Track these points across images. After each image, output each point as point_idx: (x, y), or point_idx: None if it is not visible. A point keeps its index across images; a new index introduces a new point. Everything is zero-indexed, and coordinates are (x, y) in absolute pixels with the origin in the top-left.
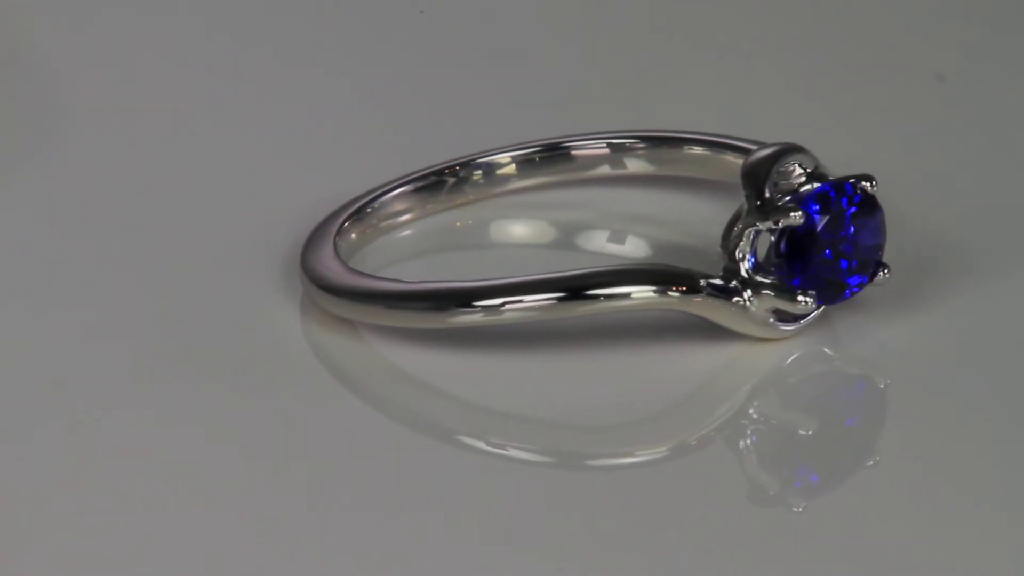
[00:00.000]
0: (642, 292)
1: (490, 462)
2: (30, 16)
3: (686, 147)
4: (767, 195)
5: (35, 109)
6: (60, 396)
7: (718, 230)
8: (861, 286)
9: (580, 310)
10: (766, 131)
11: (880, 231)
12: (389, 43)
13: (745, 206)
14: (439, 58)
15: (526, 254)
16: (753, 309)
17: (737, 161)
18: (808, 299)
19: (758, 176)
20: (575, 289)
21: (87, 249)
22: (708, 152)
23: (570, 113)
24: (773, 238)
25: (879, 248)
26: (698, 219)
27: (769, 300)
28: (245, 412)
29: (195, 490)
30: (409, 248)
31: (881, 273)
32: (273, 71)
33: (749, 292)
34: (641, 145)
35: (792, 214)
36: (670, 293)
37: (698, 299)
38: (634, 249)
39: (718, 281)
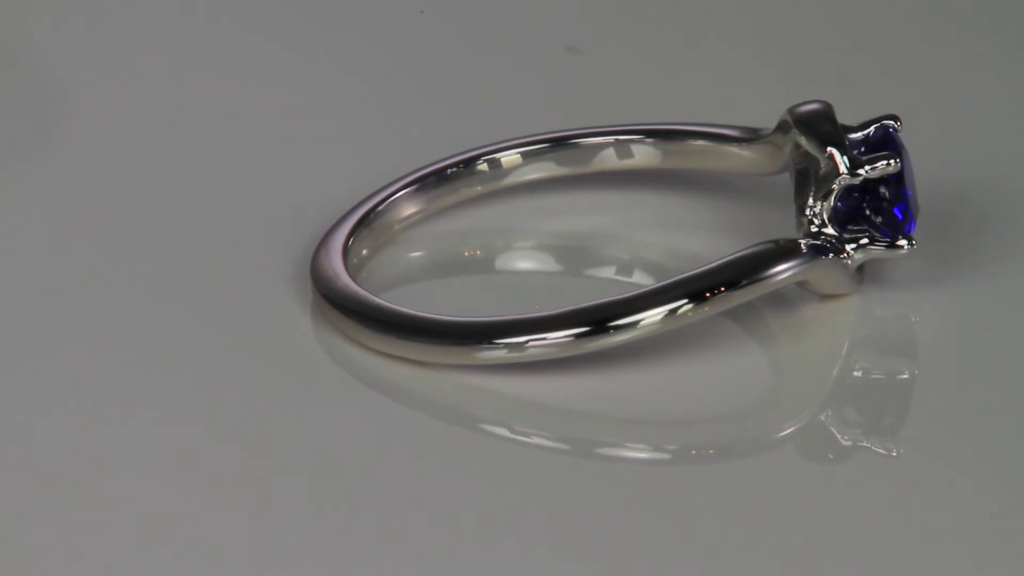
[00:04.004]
0: (778, 272)
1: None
2: (33, 14)
3: (690, 140)
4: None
5: (41, 110)
6: (67, 397)
7: (718, 228)
8: None
9: (703, 311)
10: (764, 121)
11: (911, 168)
12: (391, 42)
13: (823, 165)
14: (440, 57)
15: (553, 279)
16: (853, 263)
17: (743, 153)
18: (908, 243)
19: (829, 132)
20: (732, 282)
21: (92, 251)
22: (711, 144)
23: (572, 112)
24: (822, 196)
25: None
26: (705, 219)
27: (870, 251)
28: (255, 412)
29: (204, 491)
30: (419, 267)
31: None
32: (273, 71)
33: (850, 247)
34: (648, 140)
35: (886, 162)
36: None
37: (812, 264)
38: (677, 249)
39: (815, 242)
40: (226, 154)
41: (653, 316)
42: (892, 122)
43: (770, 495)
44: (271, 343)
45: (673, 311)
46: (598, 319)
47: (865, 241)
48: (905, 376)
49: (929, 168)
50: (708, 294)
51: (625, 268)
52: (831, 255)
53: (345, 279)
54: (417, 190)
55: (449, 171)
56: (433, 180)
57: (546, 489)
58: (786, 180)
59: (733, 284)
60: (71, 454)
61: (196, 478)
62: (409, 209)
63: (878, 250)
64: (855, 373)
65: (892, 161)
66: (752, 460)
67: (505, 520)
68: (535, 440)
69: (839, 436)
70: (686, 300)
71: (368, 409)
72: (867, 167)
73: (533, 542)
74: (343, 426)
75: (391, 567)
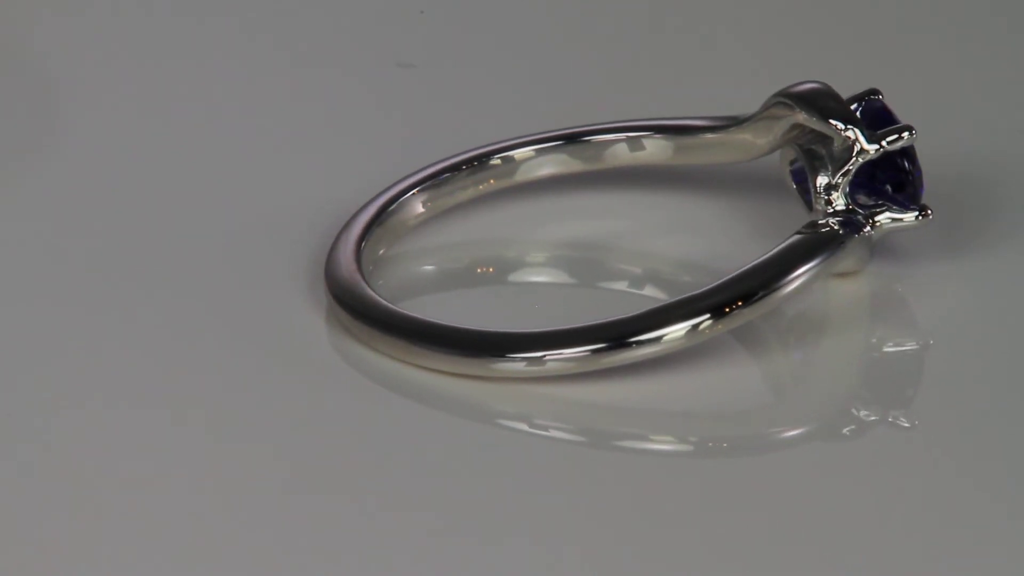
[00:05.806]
0: (807, 268)
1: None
2: (33, 14)
3: (700, 134)
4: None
5: (41, 110)
6: (72, 399)
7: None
8: None
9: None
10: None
11: None
12: (396, 41)
13: (838, 142)
14: (446, 57)
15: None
16: (876, 236)
17: (756, 141)
18: (923, 212)
19: (839, 109)
20: (772, 280)
21: (99, 253)
22: (720, 135)
23: (578, 111)
24: (842, 174)
25: None
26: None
27: (898, 224)
28: (265, 414)
29: (212, 494)
30: (433, 277)
31: None
32: (277, 71)
33: (881, 218)
34: (657, 135)
35: (899, 136)
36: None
37: (848, 244)
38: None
39: (841, 219)
40: (230, 154)
41: (676, 332)
42: (875, 96)
43: (779, 486)
44: (284, 346)
45: (696, 325)
46: (619, 334)
47: (889, 214)
48: (919, 352)
49: (924, 146)
50: (741, 302)
51: (643, 276)
52: (858, 231)
53: (361, 284)
54: (429, 187)
55: (462, 167)
56: (446, 176)
57: (563, 484)
58: (772, 166)
59: (770, 284)
60: (73, 456)
61: (206, 480)
62: (422, 207)
63: (904, 220)
64: (873, 354)
65: (910, 133)
66: (765, 457)
67: (519, 518)
68: (553, 434)
69: (859, 414)
70: (709, 314)
71: (381, 410)
72: (886, 140)
73: (545, 539)
74: (354, 428)
75: (404, 568)
